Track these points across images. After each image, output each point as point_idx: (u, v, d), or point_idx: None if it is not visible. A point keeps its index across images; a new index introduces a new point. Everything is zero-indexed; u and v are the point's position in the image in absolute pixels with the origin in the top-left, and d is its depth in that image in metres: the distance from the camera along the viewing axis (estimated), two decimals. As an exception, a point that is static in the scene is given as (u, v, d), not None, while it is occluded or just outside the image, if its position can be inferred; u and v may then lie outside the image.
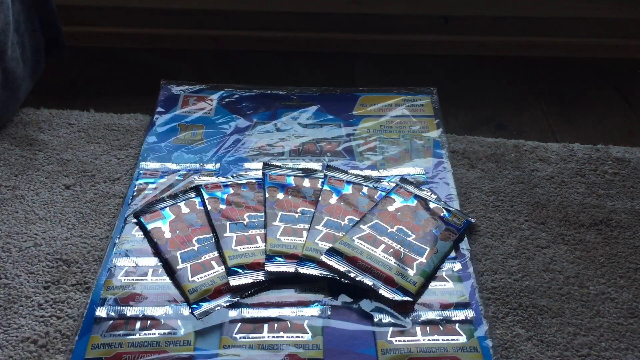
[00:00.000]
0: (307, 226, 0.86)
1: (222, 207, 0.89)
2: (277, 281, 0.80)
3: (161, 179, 0.95)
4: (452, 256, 0.85)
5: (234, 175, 0.96)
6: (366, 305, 0.78)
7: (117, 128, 1.07)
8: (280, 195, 0.91)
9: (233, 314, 0.76)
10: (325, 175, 0.95)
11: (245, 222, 0.87)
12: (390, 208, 0.89)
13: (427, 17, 1.33)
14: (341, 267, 0.80)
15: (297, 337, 0.74)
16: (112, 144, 1.04)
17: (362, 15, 1.33)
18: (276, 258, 0.81)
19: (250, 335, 0.74)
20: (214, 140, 1.05)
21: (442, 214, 0.89)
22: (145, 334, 0.73)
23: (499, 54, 1.35)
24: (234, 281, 0.78)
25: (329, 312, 0.77)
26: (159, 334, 0.74)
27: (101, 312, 0.76)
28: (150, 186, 0.94)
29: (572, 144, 1.06)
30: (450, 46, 1.35)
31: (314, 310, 0.77)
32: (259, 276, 0.80)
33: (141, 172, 0.97)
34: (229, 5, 1.32)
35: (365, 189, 0.93)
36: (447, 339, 0.74)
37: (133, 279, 0.80)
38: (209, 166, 0.99)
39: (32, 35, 1.07)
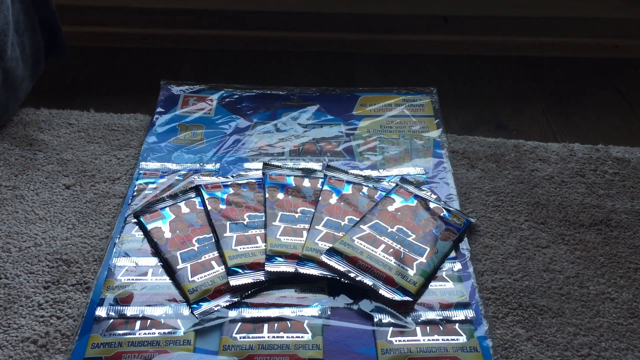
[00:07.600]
0: (307, 226, 0.86)
1: (222, 207, 0.89)
2: (277, 281, 0.80)
3: (161, 179, 0.95)
4: (452, 256, 0.85)
5: (234, 175, 0.96)
6: (366, 305, 0.78)
7: (117, 128, 1.07)
8: (280, 195, 0.91)
9: (233, 314, 0.76)
10: (325, 175, 0.94)
11: (245, 222, 0.87)
12: (390, 208, 0.89)
13: (427, 17, 1.33)
14: (341, 267, 0.80)
15: (297, 337, 0.74)
16: (112, 144, 1.04)
17: (362, 15, 1.33)
18: (276, 258, 0.81)
19: (250, 335, 0.74)
20: (214, 140, 1.05)
21: (442, 214, 0.89)
22: (145, 334, 0.73)
23: (499, 54, 1.35)
24: (234, 281, 0.78)
25: (329, 312, 0.77)
26: (158, 333, 0.74)
27: (101, 311, 0.76)
28: (150, 186, 0.94)
29: (572, 144, 1.06)
30: (450, 46, 1.35)
31: (314, 310, 0.77)
32: (259, 276, 0.79)
33: (141, 172, 0.97)
34: (229, 5, 1.32)
35: (365, 189, 0.93)
36: (447, 339, 0.74)
37: (133, 279, 0.80)
38: (209, 166, 0.99)
39: (32, 35, 1.07)
